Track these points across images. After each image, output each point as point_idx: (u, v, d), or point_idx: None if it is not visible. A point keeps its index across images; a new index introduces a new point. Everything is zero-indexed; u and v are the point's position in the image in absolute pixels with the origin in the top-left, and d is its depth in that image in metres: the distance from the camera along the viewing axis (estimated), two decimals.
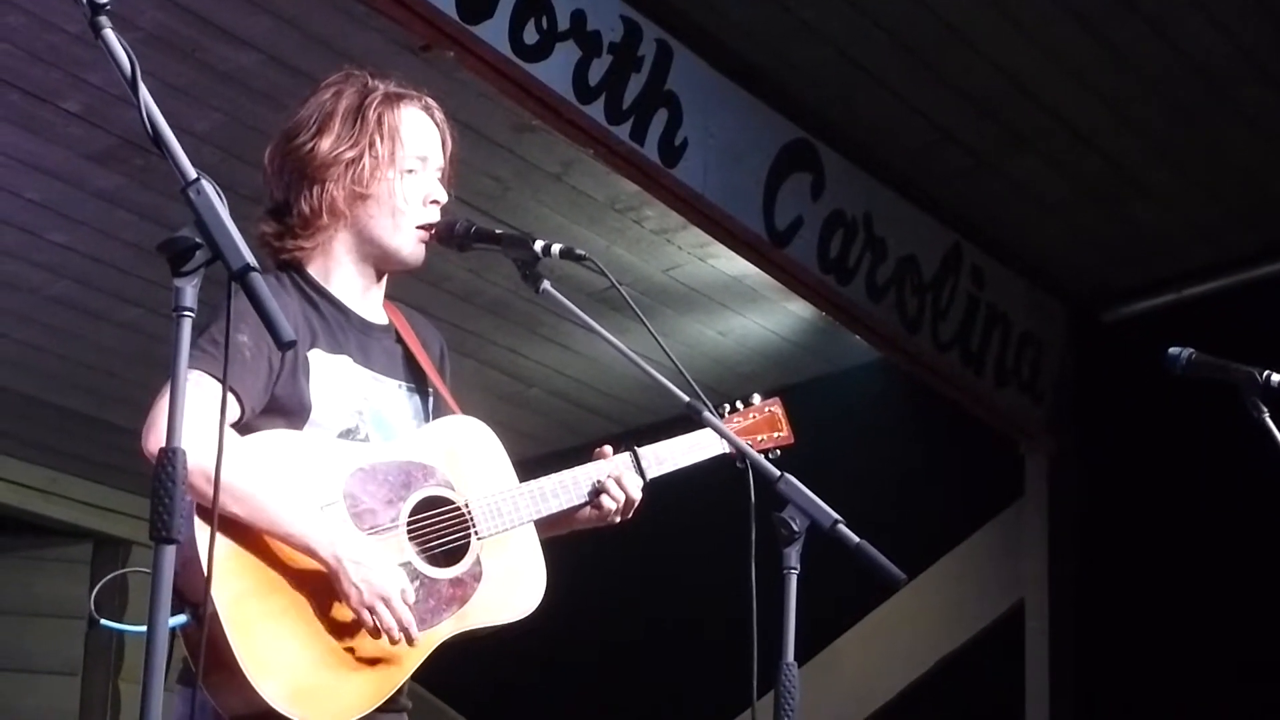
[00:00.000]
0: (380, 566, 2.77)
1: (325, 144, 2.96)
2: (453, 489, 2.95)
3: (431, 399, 3.09)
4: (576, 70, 5.04)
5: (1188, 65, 5.52)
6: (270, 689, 2.66)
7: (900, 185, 6.22)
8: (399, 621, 2.77)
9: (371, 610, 2.75)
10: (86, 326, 6.66)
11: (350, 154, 2.96)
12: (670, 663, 7.39)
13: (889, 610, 7.04)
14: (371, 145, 2.98)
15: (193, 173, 2.10)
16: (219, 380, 2.67)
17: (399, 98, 3.05)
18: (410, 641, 2.79)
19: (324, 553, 2.74)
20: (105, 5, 2.15)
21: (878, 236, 6.14)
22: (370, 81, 3.05)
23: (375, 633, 2.76)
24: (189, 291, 2.09)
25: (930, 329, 6.39)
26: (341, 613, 2.78)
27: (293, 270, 3.00)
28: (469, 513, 2.94)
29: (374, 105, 3.00)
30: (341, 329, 2.99)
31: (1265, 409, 3.37)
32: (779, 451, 3.43)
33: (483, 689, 7.47)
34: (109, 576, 3.33)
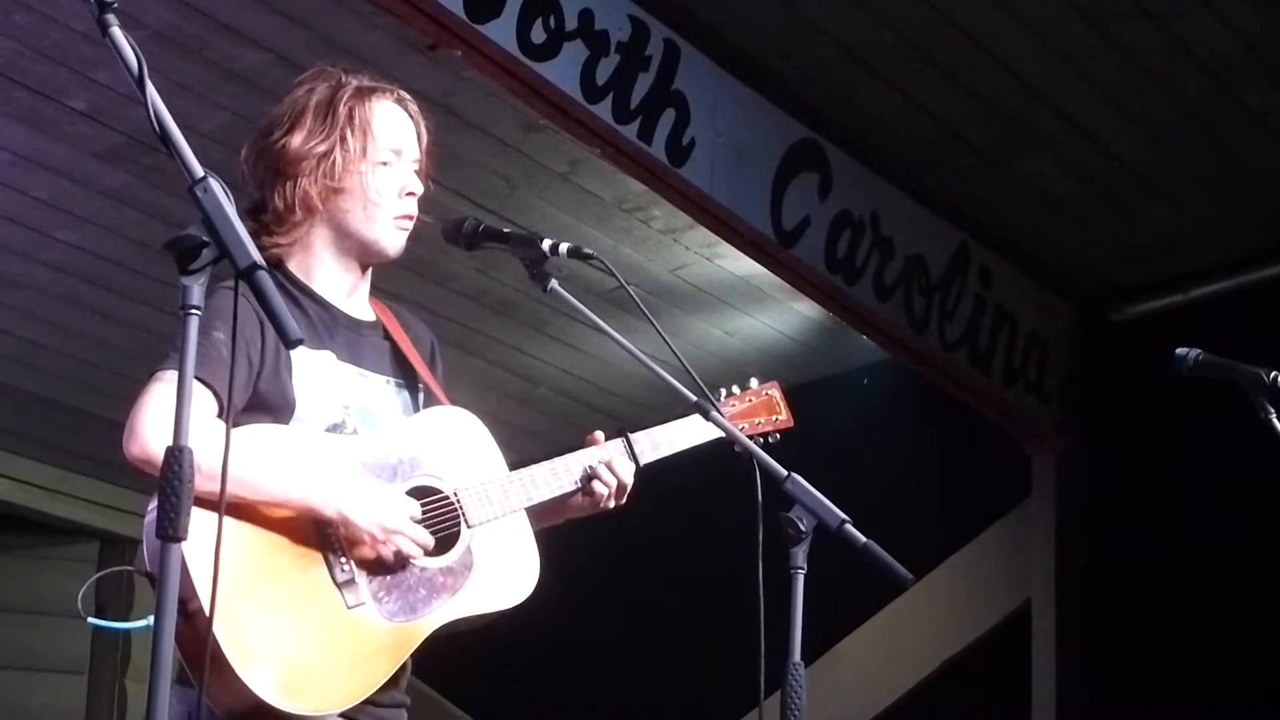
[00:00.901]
0: (382, 502, 2.81)
1: (297, 140, 2.97)
2: (441, 479, 2.94)
3: (421, 394, 3.09)
4: (584, 69, 5.04)
5: (1195, 63, 5.51)
6: (259, 681, 2.66)
7: (907, 185, 6.21)
8: (419, 546, 2.83)
9: (390, 544, 2.80)
10: (94, 325, 6.66)
11: (321, 148, 2.97)
12: (677, 662, 7.39)
13: (896, 610, 7.03)
14: (343, 139, 2.98)
15: (200, 171, 2.10)
16: (200, 380, 2.67)
17: (370, 91, 3.05)
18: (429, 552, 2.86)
19: (328, 510, 2.77)
20: (112, 3, 2.15)
21: (885, 236, 6.14)
22: (343, 77, 3.05)
23: (400, 560, 2.82)
24: (196, 290, 2.09)
25: (937, 329, 6.38)
26: (332, 603, 2.77)
27: (272, 268, 3.00)
28: (458, 502, 2.94)
29: (344, 99, 3.01)
30: (325, 325, 2.98)
31: (1272, 409, 3.36)
32: (778, 436, 3.42)
33: (488, 686, 7.48)
34: (94, 577, 3.34)
